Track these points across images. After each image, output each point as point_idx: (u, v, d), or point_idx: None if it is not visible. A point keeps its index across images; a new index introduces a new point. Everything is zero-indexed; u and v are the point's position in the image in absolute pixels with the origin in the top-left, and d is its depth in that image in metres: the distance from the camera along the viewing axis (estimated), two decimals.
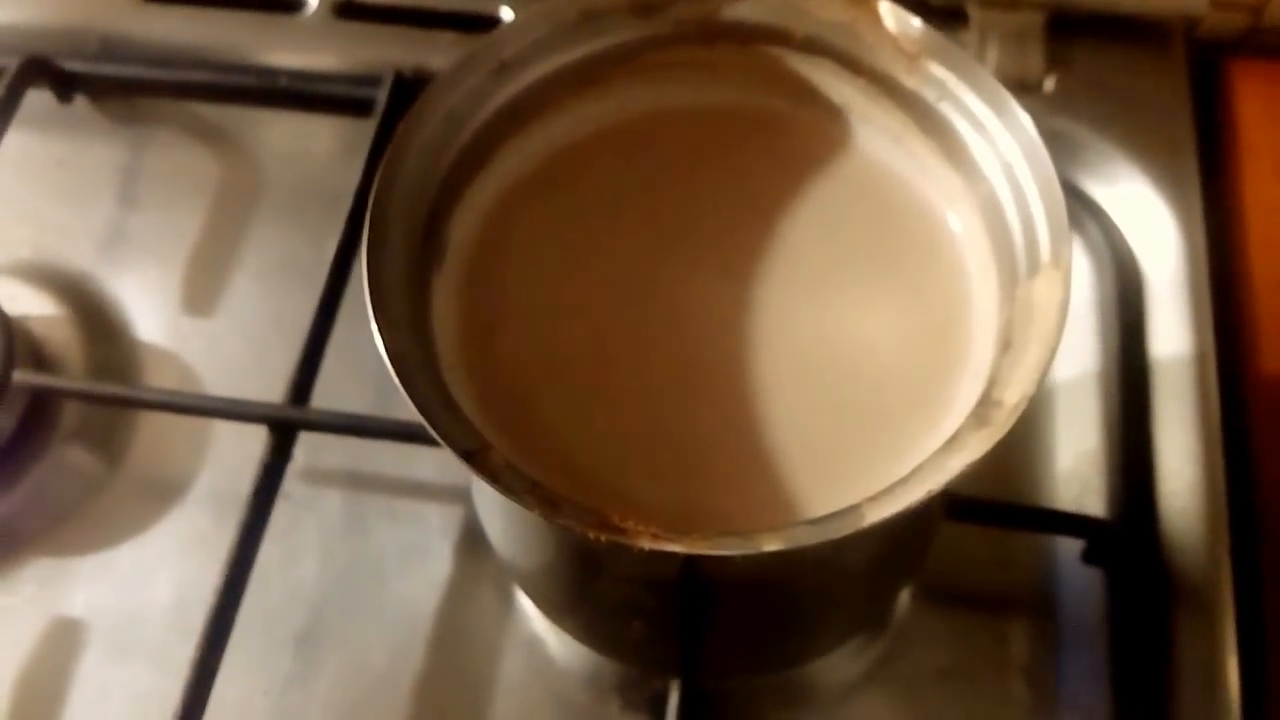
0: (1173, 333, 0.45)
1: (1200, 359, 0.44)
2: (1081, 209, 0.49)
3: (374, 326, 0.27)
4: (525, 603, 0.43)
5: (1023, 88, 0.50)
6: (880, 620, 0.41)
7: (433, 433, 0.26)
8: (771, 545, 0.24)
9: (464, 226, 0.33)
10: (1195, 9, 0.51)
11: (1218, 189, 0.49)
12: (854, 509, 0.24)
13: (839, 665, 0.41)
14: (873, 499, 0.25)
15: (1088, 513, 0.43)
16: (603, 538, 0.24)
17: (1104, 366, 0.46)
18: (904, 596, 0.43)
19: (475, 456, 0.26)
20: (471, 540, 0.45)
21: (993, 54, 0.50)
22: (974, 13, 0.51)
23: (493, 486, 0.25)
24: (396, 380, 0.26)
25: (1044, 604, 0.43)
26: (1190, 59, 0.52)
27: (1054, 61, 0.51)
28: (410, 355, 0.27)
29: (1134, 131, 0.49)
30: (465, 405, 0.29)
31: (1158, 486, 0.43)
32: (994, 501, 0.41)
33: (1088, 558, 0.42)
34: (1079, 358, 0.47)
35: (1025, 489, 0.45)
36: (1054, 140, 0.49)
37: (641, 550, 0.24)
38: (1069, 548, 0.43)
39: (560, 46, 0.32)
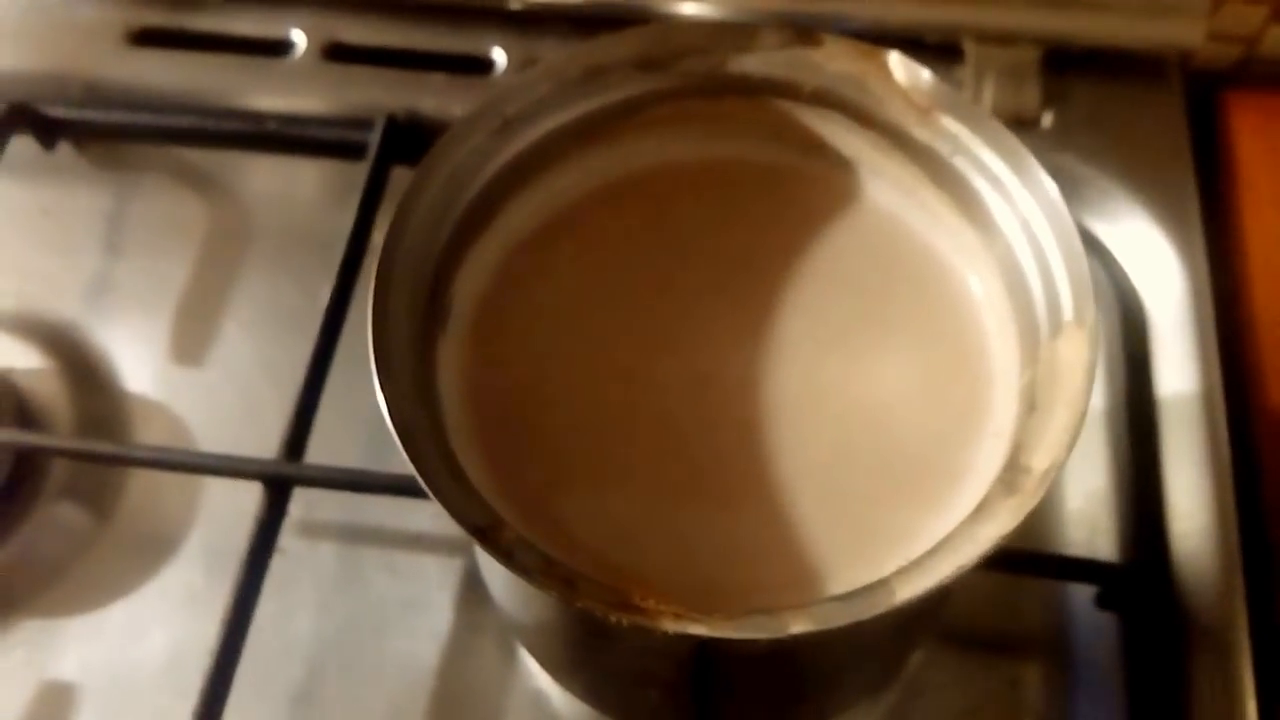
0: (1179, 369, 0.45)
1: (1207, 396, 0.44)
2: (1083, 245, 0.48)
3: (381, 399, 0.26)
4: (529, 657, 0.42)
5: (1020, 123, 0.50)
6: (895, 674, 0.40)
7: (444, 509, 0.25)
8: (799, 626, 0.23)
9: (469, 286, 0.32)
10: (1191, 41, 0.50)
11: (1218, 222, 0.49)
12: (883, 584, 0.24)
13: (853, 717, 0.41)
14: (902, 572, 0.24)
15: (1099, 555, 0.43)
16: (625, 620, 0.23)
17: (1111, 404, 0.46)
18: None
19: (487, 534, 0.25)
20: (471, 592, 0.44)
21: (989, 90, 0.50)
22: (970, 48, 0.51)
23: (506, 566, 0.24)
24: (405, 455, 0.25)
25: (1057, 648, 0.42)
26: (1186, 91, 0.52)
27: (1051, 97, 0.51)
28: (417, 425, 0.27)
29: (1133, 166, 0.49)
30: (471, 470, 0.28)
31: (1169, 528, 0.42)
32: (1005, 547, 0.41)
33: (1101, 602, 0.42)
34: None
35: (1035, 531, 0.44)
36: (1052, 176, 0.50)
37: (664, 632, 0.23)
38: (1082, 591, 0.42)
39: (564, 102, 0.32)
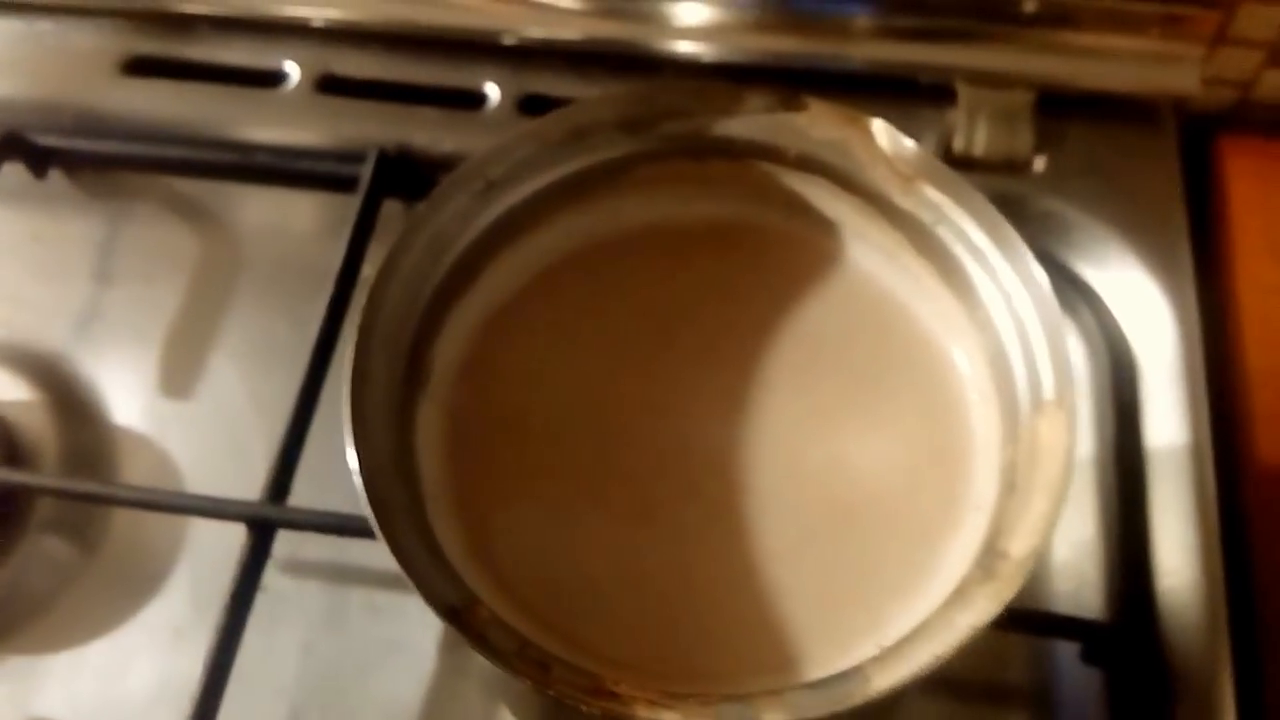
0: (1168, 420, 0.45)
1: (1196, 448, 0.43)
2: (1073, 291, 0.48)
3: (355, 472, 0.26)
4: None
5: (1012, 167, 0.50)
6: None
7: (416, 589, 0.25)
8: (773, 716, 0.23)
9: (449, 347, 0.32)
10: (1186, 88, 0.50)
11: (1210, 269, 0.49)
12: (858, 672, 0.24)
13: None
14: (878, 660, 0.24)
15: (1086, 607, 0.43)
16: (598, 708, 0.23)
17: (1099, 454, 0.45)
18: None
19: (460, 615, 0.25)
20: (455, 635, 0.44)
21: (982, 133, 0.50)
22: (963, 91, 0.50)
23: (477, 649, 0.24)
24: (379, 533, 0.25)
25: (1043, 701, 0.42)
26: (1180, 135, 0.51)
27: (1044, 141, 0.50)
28: (394, 501, 0.26)
29: (1125, 212, 0.49)
30: (446, 538, 0.28)
31: (1155, 583, 0.42)
32: None
33: (1087, 657, 0.41)
34: None
35: None
36: (1044, 221, 0.49)
37: None
38: (1068, 645, 0.42)
39: (548, 164, 0.32)
